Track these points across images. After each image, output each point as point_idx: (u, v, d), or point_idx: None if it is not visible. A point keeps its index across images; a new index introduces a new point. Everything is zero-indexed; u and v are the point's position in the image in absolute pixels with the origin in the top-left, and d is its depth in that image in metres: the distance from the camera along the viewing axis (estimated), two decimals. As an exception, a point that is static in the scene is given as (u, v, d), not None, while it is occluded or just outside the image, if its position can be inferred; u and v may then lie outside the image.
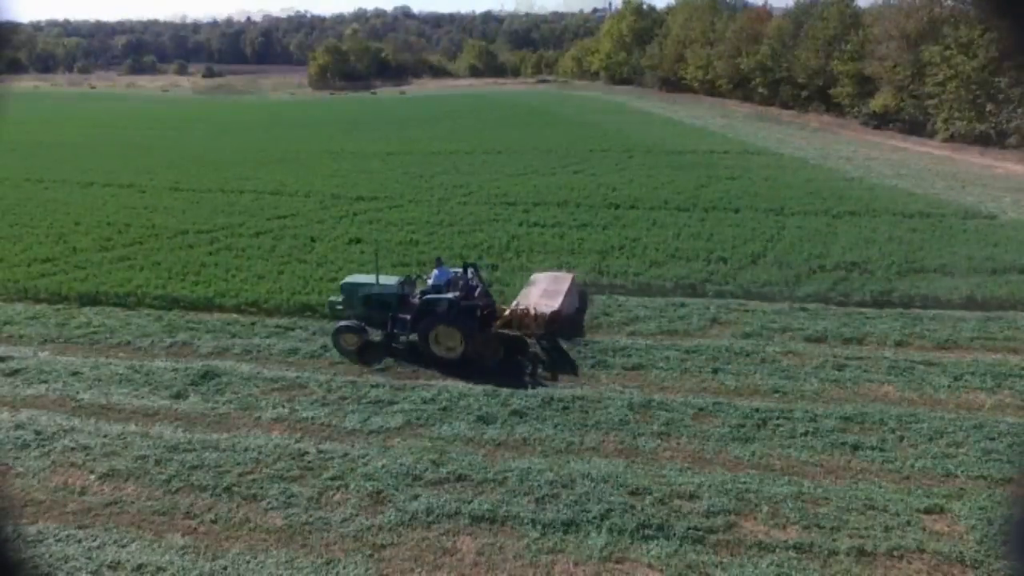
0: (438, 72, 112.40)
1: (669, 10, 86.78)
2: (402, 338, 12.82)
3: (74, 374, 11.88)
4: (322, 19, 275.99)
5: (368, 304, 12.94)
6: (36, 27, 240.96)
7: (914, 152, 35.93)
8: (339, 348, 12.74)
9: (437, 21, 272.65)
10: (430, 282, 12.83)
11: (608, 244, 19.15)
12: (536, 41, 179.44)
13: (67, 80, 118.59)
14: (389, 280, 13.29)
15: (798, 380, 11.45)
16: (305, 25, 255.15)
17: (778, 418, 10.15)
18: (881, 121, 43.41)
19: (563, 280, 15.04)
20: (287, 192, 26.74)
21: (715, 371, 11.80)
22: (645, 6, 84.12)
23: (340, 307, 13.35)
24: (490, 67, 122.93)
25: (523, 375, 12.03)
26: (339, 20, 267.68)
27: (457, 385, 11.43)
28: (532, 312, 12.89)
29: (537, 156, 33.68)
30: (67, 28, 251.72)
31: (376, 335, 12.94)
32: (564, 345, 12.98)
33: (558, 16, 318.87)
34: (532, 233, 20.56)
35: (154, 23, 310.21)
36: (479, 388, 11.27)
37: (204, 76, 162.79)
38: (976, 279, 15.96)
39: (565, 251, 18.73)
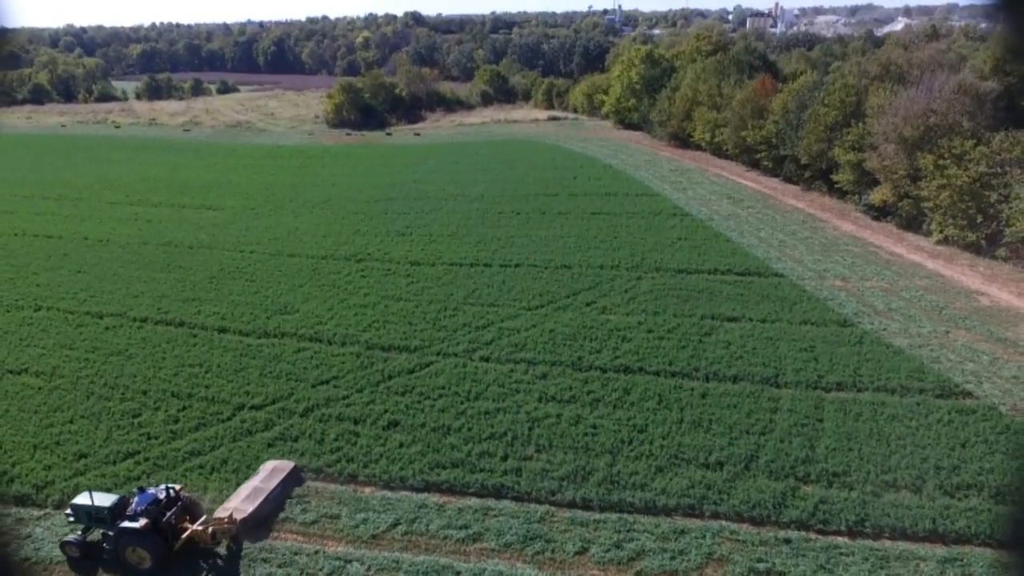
0: (451, 105, 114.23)
1: (677, 55, 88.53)
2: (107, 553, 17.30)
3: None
4: (333, 25, 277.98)
5: (87, 518, 17.52)
6: (54, 39, 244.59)
7: (907, 262, 37.91)
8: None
9: (447, 26, 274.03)
10: (133, 506, 17.32)
11: (619, 437, 21.59)
12: (546, 55, 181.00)
13: (90, 113, 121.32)
14: (104, 499, 17.55)
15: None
16: (316, 33, 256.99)
17: None
18: (880, 213, 45.33)
19: (277, 473, 19.85)
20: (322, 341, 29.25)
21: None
22: (655, 54, 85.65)
23: (72, 520, 17.82)
24: (501, 91, 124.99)
25: None
26: (350, 27, 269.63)
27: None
28: (211, 530, 17.29)
29: (554, 276, 35.94)
30: (82, 38, 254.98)
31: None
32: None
33: (568, 18, 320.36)
34: (550, 415, 23.02)
35: (169, 30, 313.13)
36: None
37: (220, 91, 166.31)
38: (941, 501, 18.29)
39: (580, 448, 21.18)
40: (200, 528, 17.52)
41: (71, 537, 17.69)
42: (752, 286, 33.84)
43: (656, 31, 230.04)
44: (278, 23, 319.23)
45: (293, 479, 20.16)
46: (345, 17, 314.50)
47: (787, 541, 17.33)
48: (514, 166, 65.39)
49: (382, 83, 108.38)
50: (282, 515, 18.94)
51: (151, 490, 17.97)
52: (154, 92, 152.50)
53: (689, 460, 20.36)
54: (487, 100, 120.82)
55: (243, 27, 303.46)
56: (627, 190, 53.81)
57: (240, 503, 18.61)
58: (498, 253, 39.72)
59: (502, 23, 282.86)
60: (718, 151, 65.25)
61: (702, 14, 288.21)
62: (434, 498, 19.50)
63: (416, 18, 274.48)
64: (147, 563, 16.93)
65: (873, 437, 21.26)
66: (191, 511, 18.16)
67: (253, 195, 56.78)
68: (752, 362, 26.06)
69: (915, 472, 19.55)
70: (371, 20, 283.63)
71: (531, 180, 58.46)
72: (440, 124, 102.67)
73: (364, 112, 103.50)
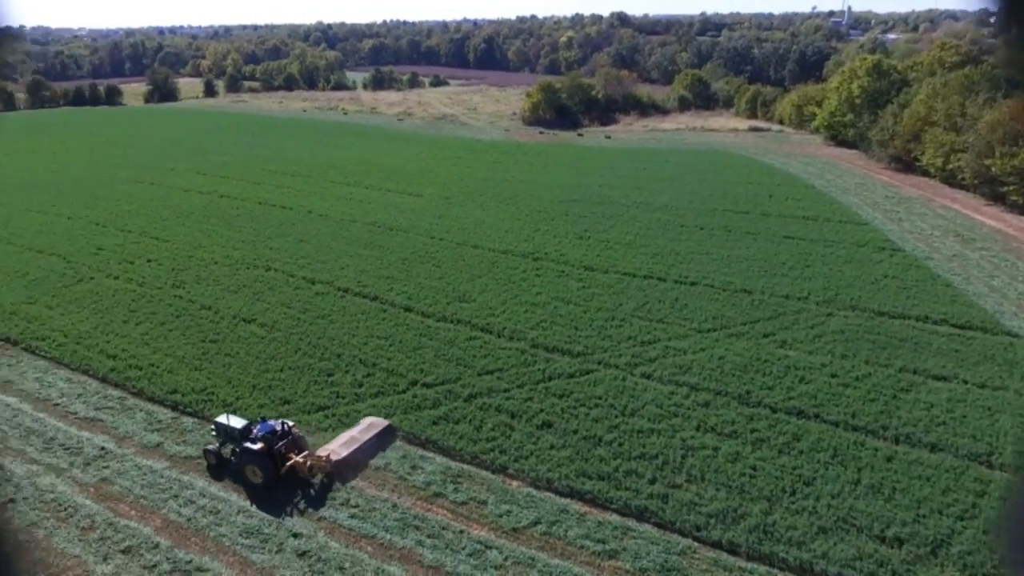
0: (645, 109, 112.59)
1: (912, 66, 78.53)
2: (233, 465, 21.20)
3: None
4: (540, 24, 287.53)
5: (224, 434, 21.57)
6: (307, 34, 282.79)
7: None
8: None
9: (653, 27, 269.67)
10: (255, 431, 20.91)
11: (780, 485, 20.14)
12: (755, 60, 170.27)
13: (325, 100, 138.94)
14: (237, 421, 21.55)
15: None
16: (524, 32, 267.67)
17: None
18: None
19: (373, 428, 22.43)
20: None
21: None
22: (885, 64, 76.71)
23: (214, 434, 22.11)
24: (701, 96, 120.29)
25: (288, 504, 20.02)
26: (556, 26, 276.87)
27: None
28: (309, 464, 20.64)
29: (732, 300, 34.21)
30: (327, 34, 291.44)
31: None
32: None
33: (786, 20, 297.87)
34: (707, 446, 22.14)
35: (396, 26, 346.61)
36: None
37: (432, 84, 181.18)
38: None
39: (734, 487, 20.12)
40: (301, 460, 20.81)
41: (211, 447, 21.82)
42: (972, 342, 29.25)
43: (891, 35, 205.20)
44: (490, 21, 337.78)
45: (387, 435, 22.62)
46: (553, 16, 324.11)
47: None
48: (704, 177, 62.91)
49: (579, 83, 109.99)
50: (434, 490, 20.51)
51: (271, 421, 21.61)
52: (378, 83, 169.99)
53: (861, 528, 18.39)
54: (684, 105, 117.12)
55: (459, 25, 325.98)
56: (829, 215, 49.16)
57: (337, 447, 21.44)
58: (675, 268, 38.70)
59: (711, 25, 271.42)
60: (950, 179, 56.89)
61: (953, 16, 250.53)
62: (576, 505, 19.82)
63: (621, 18, 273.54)
64: (259, 479, 20.63)
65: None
66: (298, 444, 21.47)
67: (449, 185, 61.16)
68: (959, 432, 22.65)
69: None
70: (577, 20, 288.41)
71: (720, 194, 55.86)
72: (632, 128, 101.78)
73: (559, 111, 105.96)
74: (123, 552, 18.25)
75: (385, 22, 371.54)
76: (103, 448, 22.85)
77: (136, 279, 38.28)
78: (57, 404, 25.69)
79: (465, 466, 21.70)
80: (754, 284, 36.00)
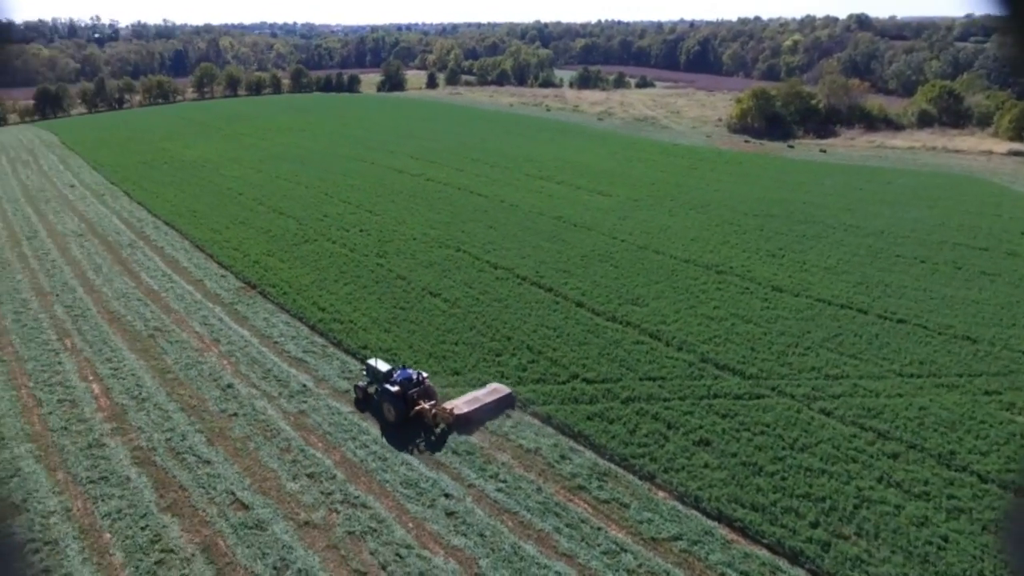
0: (874, 123, 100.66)
1: None
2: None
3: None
4: (763, 27, 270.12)
5: (371, 374, 24.79)
6: (523, 32, 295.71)
7: None
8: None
9: (899, 31, 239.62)
10: (395, 376, 23.90)
11: (979, 567, 17.28)
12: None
13: (531, 96, 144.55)
14: (383, 366, 24.58)
15: None
16: (744, 34, 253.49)
17: None
18: None
19: (495, 393, 24.54)
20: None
21: None
22: None
23: (364, 373, 25.67)
24: (949, 112, 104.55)
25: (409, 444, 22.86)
26: (781, 29, 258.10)
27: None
28: (433, 412, 23.26)
29: (948, 346, 29.68)
30: (543, 33, 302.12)
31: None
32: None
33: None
34: (887, 501, 19.67)
35: (610, 26, 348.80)
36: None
37: (638, 85, 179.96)
38: None
39: (917, 555, 17.66)
40: (427, 407, 23.42)
41: (360, 383, 25.14)
42: None
43: None
44: (708, 23, 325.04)
45: (507, 401, 24.61)
46: (779, 18, 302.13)
47: None
48: (936, 204, 54.93)
49: (798, 91, 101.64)
50: (579, 482, 20.78)
51: (409, 370, 24.46)
52: (583, 82, 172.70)
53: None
54: (925, 121, 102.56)
55: (674, 26, 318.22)
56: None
57: (461, 403, 23.88)
58: (880, 301, 34.52)
59: (978, 29, 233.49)
60: None
61: None
62: (723, 531, 18.87)
63: (861, 21, 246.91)
64: (391, 417, 23.56)
65: None
66: (428, 394, 24.09)
67: (640, 188, 60.53)
68: None
69: None
70: (806, 22, 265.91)
71: (955, 225, 48.41)
72: (854, 143, 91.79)
73: (770, 120, 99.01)
74: (308, 476, 21.18)
75: (600, 22, 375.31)
76: (304, 385, 26.58)
77: (348, 245, 43.57)
78: (276, 342, 30.37)
79: (613, 466, 21.70)
80: (982, 332, 30.83)
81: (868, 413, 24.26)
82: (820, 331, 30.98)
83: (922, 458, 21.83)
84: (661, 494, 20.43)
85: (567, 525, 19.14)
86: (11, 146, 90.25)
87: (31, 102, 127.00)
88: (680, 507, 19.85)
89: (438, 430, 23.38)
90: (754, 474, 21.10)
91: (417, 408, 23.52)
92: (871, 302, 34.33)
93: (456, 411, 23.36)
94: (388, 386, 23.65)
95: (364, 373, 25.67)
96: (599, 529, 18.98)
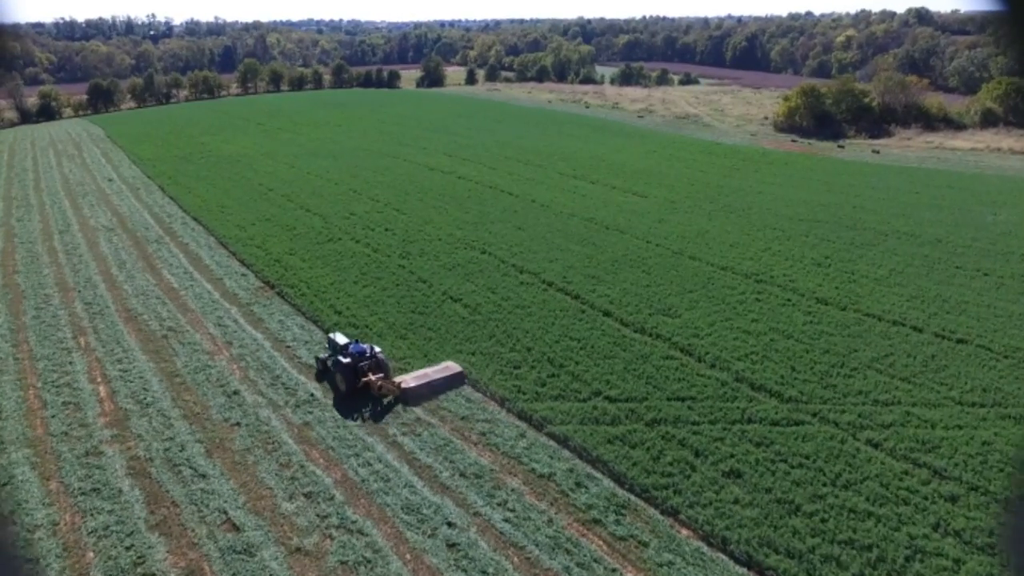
0: (932, 123, 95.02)
1: None
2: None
3: None
4: (815, 23, 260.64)
5: (331, 347, 26.09)
6: (566, 27, 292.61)
7: None
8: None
9: (962, 26, 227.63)
10: (349, 349, 24.98)
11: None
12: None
13: (571, 92, 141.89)
14: (342, 339, 25.76)
15: None
16: (794, 30, 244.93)
17: None
18: None
19: (446, 371, 25.63)
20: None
21: None
22: None
23: (326, 346, 26.91)
24: (1016, 111, 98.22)
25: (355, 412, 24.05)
26: (833, 24, 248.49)
27: None
28: (379, 385, 24.28)
29: (1017, 371, 26.76)
30: (586, 28, 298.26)
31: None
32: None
33: None
34: (945, 554, 17.29)
35: (654, 22, 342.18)
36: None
37: (681, 82, 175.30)
38: None
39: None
40: (374, 379, 24.34)
41: (321, 355, 26.42)
42: None
43: None
44: (756, 19, 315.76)
45: (458, 379, 25.50)
46: (832, 13, 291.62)
47: None
48: (1000, 209, 50.91)
49: (850, 89, 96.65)
50: (595, 515, 19.01)
51: (363, 344, 25.47)
52: (625, 79, 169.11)
53: None
54: (989, 121, 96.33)
55: (720, 22, 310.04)
56: None
57: (410, 379, 24.94)
58: (937, 317, 31.57)
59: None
60: None
61: None
62: (753, 581, 16.85)
63: (920, 15, 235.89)
64: (342, 387, 24.79)
65: None
66: (380, 367, 24.93)
67: (677, 189, 57.97)
68: None
69: None
70: (861, 17, 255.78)
71: (1021, 233, 44.59)
72: (910, 144, 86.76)
73: (819, 119, 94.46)
74: (305, 496, 19.96)
75: (644, 17, 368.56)
76: (312, 395, 25.45)
77: (372, 245, 42.52)
78: (288, 346, 29.39)
79: (633, 497, 19.85)
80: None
81: (922, 447, 21.77)
82: (869, 350, 28.36)
83: (985, 503, 19.31)
84: (685, 532, 18.50)
85: (578, 564, 17.41)
86: (60, 140, 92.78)
87: (85, 96, 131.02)
88: (705, 549, 17.90)
89: (385, 401, 24.56)
90: (790, 514, 18.97)
91: (364, 379, 24.52)
92: (927, 319, 31.41)
93: (404, 385, 24.49)
94: (340, 358, 24.87)
95: (326, 346, 26.86)
96: (614, 571, 17.19)
